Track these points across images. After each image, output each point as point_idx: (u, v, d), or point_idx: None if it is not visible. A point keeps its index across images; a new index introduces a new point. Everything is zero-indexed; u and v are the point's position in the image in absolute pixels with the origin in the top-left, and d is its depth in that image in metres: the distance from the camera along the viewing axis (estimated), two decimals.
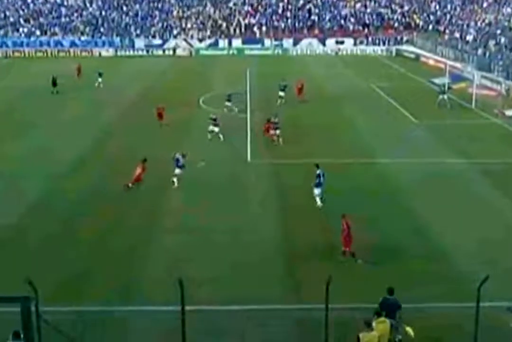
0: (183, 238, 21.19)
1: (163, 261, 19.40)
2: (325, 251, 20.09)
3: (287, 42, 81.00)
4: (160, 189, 26.25)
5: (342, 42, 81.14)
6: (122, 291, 17.48)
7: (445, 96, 43.23)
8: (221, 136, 34.08)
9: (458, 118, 40.22)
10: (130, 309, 16.53)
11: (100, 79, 52.31)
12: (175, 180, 26.15)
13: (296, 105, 44.30)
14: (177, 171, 26.26)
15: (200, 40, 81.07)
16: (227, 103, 40.29)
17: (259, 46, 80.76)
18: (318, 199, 24.09)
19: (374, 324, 13.65)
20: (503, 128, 37.97)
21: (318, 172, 24.44)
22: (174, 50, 79.10)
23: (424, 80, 56.13)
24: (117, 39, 79.67)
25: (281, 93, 44.05)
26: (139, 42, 79.66)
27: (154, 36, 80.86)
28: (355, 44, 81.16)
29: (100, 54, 77.71)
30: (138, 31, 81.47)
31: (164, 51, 79.21)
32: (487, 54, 58.09)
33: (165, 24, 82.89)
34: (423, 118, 39.89)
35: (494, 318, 14.97)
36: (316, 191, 24.18)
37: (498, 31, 62.01)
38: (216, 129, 34.22)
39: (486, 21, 67.53)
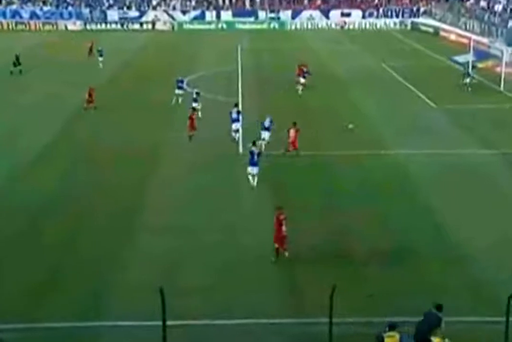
0: (167, 240, 21.30)
1: (144, 267, 19.50)
2: (329, 253, 20.29)
3: (285, 15, 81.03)
4: (140, 183, 26.37)
5: (348, 15, 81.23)
6: (93, 303, 17.55)
7: (468, 80, 43.39)
8: (199, 114, 35.16)
9: (483, 102, 40.40)
10: (103, 325, 16.62)
11: (101, 59, 52.36)
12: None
13: (291, 88, 44.39)
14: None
15: (184, 12, 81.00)
16: (178, 91, 39.83)
17: (252, 19, 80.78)
18: (251, 178, 25.49)
19: (385, 338, 13.86)
20: None
21: (252, 149, 25.85)
22: (153, 23, 79.01)
23: (445, 59, 56.27)
24: (86, 10, 79.52)
25: (302, 80, 43.85)
26: (112, 14, 79.52)
27: (129, 7, 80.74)
28: (363, 16, 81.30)
29: (66, 27, 77.57)
30: (110, 1, 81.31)
31: (141, 25, 79.13)
32: None
33: None
34: (442, 102, 40.06)
35: None
36: (250, 170, 25.51)
37: None
38: (197, 105, 35.64)
39: None
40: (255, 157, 25.98)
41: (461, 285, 18.47)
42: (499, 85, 44.20)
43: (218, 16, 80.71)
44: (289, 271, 19.37)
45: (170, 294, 14.21)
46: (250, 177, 26.06)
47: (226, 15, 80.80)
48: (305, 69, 44.46)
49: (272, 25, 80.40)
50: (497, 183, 26.80)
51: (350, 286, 17.88)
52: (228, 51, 60.32)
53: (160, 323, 13.77)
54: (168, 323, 14.10)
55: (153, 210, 23.91)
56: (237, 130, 32.18)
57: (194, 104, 36.12)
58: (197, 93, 37.14)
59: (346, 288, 17.00)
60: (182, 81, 40.78)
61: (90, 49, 56.73)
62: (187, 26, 79.50)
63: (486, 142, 32.07)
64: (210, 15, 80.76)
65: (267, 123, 31.10)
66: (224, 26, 79.75)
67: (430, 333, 14.62)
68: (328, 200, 24.67)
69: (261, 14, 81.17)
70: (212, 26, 79.66)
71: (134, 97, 41.59)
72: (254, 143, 26.93)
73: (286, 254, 20.03)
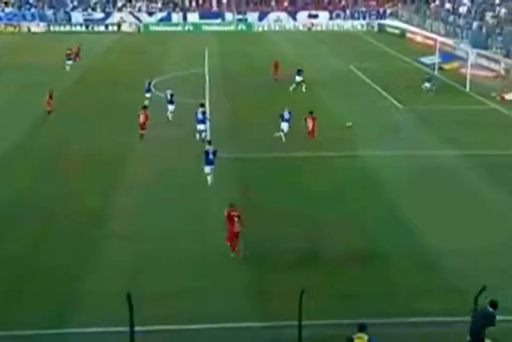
0: (134, 246, 21.12)
1: (110, 274, 19.31)
2: (299, 256, 20.31)
3: (252, 17, 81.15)
4: (105, 189, 26.14)
5: (315, 16, 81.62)
6: (59, 311, 17.34)
7: (428, 85, 43.35)
8: (170, 116, 35.90)
9: (450, 103, 40.87)
10: (70, 332, 16.44)
11: (69, 62, 51.69)
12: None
13: (261, 90, 44.52)
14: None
15: (150, 14, 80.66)
16: (146, 95, 39.80)
17: (219, 21, 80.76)
18: (209, 178, 26.28)
19: (354, 339, 13.89)
20: (502, 115, 38.71)
21: (207, 148, 26.58)
22: (119, 25, 78.55)
23: (411, 60, 56.83)
24: (50, 12, 78.78)
25: (298, 78, 44.53)
26: (77, 16, 78.90)
27: (94, 9, 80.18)
28: (330, 18, 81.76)
29: (29, 29, 76.73)
30: (75, 3, 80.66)
31: (107, 26, 78.63)
32: (484, 28, 58.98)
33: None
34: (410, 103, 40.43)
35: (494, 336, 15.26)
36: (207, 169, 26.28)
37: (497, 1, 63.00)
38: (171, 107, 36.17)
39: None
40: (210, 156, 26.49)
41: (431, 288, 18.56)
42: (465, 87, 44.76)
43: (185, 17, 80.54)
44: (259, 275, 19.33)
45: (138, 299, 14.09)
46: (208, 177, 26.51)
47: (193, 16, 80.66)
48: (300, 68, 45.24)
49: (239, 27, 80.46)
50: (465, 184, 27.05)
51: (321, 288, 17.92)
52: (195, 53, 60.23)
53: (128, 329, 13.65)
54: (136, 329, 13.99)
55: (119, 216, 23.70)
56: (203, 131, 32.31)
57: (170, 106, 36.23)
58: (172, 95, 36.88)
59: (317, 290, 17.04)
60: (150, 83, 40.60)
61: (77, 53, 56.20)
62: (153, 28, 79.18)
63: (453, 143, 32.41)
64: (176, 16, 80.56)
65: (286, 115, 32.54)
66: (191, 28, 79.59)
67: (483, 332, 14.45)
68: (297, 203, 24.71)
69: (228, 16, 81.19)
70: (179, 28, 79.46)
71: (100, 100, 41.28)
72: (209, 143, 27.39)
73: (241, 253, 20.27)
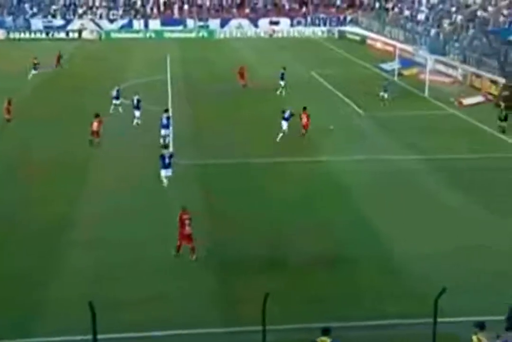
0: (98, 253, 20.99)
1: (74, 281, 19.16)
2: (264, 262, 20.39)
3: (214, 23, 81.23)
4: (68, 196, 25.95)
5: (277, 23, 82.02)
6: (22, 320, 17.11)
7: (385, 95, 42.65)
8: (138, 121, 36.32)
9: (409, 109, 41.39)
10: (33, 341, 16.23)
11: (34, 71, 50.76)
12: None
13: (223, 96, 44.66)
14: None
15: (111, 21, 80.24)
16: (115, 101, 39.71)
17: (180, 28, 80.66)
18: (165, 181, 26.92)
19: None
20: (461, 120, 39.35)
21: (163, 152, 27.35)
22: (80, 32, 77.96)
23: (372, 66, 57.43)
24: (9, 19, 77.79)
25: (281, 82, 45.58)
26: (37, 23, 78.07)
27: (54, 16, 79.43)
28: (292, 25, 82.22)
29: None
30: (35, 9, 79.85)
31: (67, 33, 77.97)
32: (441, 35, 59.89)
33: (68, 1, 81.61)
34: (371, 109, 40.83)
35: (454, 337, 15.51)
36: (164, 172, 26.93)
37: (453, 9, 64.01)
38: (138, 113, 36.51)
39: None
40: (167, 160, 26.95)
41: (395, 292, 18.78)
42: (424, 92, 45.38)
43: (146, 24, 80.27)
44: (224, 280, 19.37)
45: (103, 307, 14.04)
46: (164, 180, 26.90)
47: (154, 23, 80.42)
48: (282, 71, 46.08)
49: (201, 34, 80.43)
50: (426, 189, 27.38)
51: (287, 293, 18.02)
52: (157, 60, 60.06)
53: (89, 337, 13.58)
54: (100, 336, 13.91)
55: (83, 222, 23.55)
56: (166, 136, 32.59)
57: (136, 112, 36.49)
58: (138, 100, 36.91)
59: (282, 295, 17.15)
60: (118, 90, 40.39)
61: (58, 60, 55.56)
62: (114, 35, 78.74)
63: (413, 149, 32.83)
64: (138, 23, 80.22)
65: (287, 115, 33.99)
66: (153, 35, 79.33)
67: None
68: (261, 209, 24.78)
69: (190, 23, 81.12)
70: (140, 35, 79.15)
71: (62, 107, 40.92)
72: (165, 147, 28.03)
73: (194, 256, 20.52)
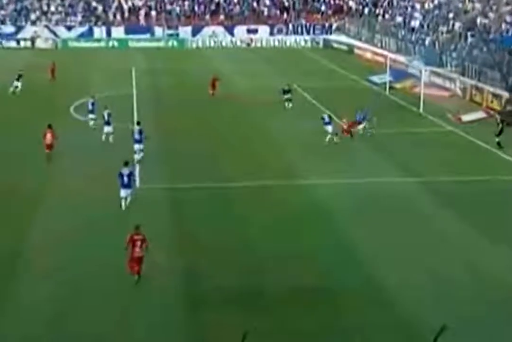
0: (52, 285, 21.06)
1: (25, 317, 19.14)
2: (241, 295, 20.58)
3: (184, 32, 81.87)
4: (21, 221, 26.04)
5: (255, 31, 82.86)
6: None
7: (366, 125, 40.10)
8: (110, 138, 36.83)
9: (402, 125, 41.84)
10: None
11: (17, 84, 50.76)
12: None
13: (196, 111, 45.05)
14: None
15: (68, 28, 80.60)
16: (91, 116, 40.08)
17: (147, 36, 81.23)
18: (123, 202, 27.28)
19: None
20: (459, 137, 39.94)
21: (122, 170, 27.34)
22: (33, 41, 78.22)
23: (360, 79, 58.15)
24: None
25: (286, 96, 46.95)
26: None
27: (3, 22, 79.68)
28: (271, 33, 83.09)
29: None
30: None
31: (18, 42, 78.20)
32: (437, 44, 60.76)
33: (19, 5, 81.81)
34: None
35: None
36: (123, 193, 27.16)
37: (451, 15, 64.97)
38: (109, 129, 37.05)
39: (435, 2, 70.84)
40: (125, 179, 27.16)
41: (381, 323, 19.04)
42: (418, 108, 46.00)
43: (109, 33, 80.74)
44: (197, 315, 19.50)
45: None
46: (122, 202, 27.21)
47: (118, 31, 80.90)
48: (286, 88, 47.02)
49: (170, 43, 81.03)
50: (419, 214, 27.70)
51: (265, 329, 18.13)
52: (121, 72, 60.43)
53: None
54: None
55: (36, 251, 23.67)
56: (140, 151, 33.44)
57: (107, 127, 37.10)
58: (109, 115, 37.40)
59: (260, 332, 17.29)
60: (93, 104, 40.59)
61: (52, 72, 55.60)
62: (72, 44, 79.12)
63: (407, 170, 33.28)
64: (99, 31, 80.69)
65: (327, 119, 37.66)
66: (116, 44, 79.80)
67: None
68: (237, 237, 24.98)
69: (158, 31, 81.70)
70: (102, 44, 79.59)
71: (14, 125, 40.95)
72: (126, 164, 27.85)
73: (136, 277, 20.97)
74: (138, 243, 21.08)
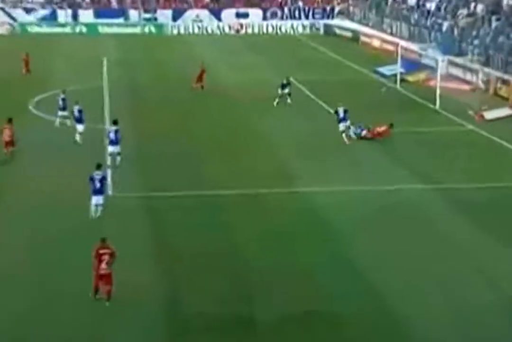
0: (11, 317, 20.98)
1: None
2: (230, 321, 20.51)
3: (164, 16, 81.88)
4: None
5: (245, 16, 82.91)
6: None
7: (347, 124, 38.99)
8: (79, 137, 37.14)
9: (416, 124, 41.79)
10: None
11: None
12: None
13: (176, 107, 45.14)
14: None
15: (28, 11, 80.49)
16: (62, 113, 40.04)
17: (120, 21, 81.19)
18: (93, 210, 27.45)
19: None
20: (481, 138, 40.01)
21: (94, 174, 27.41)
22: None
23: (367, 70, 58.23)
24: None
25: (286, 90, 46.78)
26: None
27: None
28: (264, 18, 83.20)
29: None
30: None
31: None
32: (457, 29, 60.87)
33: None
34: (366, 125, 41.06)
35: None
36: (95, 200, 27.40)
37: None
38: (81, 127, 37.39)
39: None
40: (97, 184, 27.24)
41: None
42: (434, 103, 46.11)
43: (75, 16, 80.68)
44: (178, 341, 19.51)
45: None
46: (92, 209, 27.33)
47: (86, 15, 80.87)
48: (285, 81, 46.84)
49: (147, 29, 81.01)
50: (434, 227, 27.58)
51: None
52: (90, 63, 60.40)
53: None
54: None
55: None
56: (116, 154, 33.55)
57: (79, 126, 37.30)
58: (80, 111, 37.62)
59: None
60: (64, 99, 40.63)
61: (26, 64, 55.40)
62: (33, 29, 79.06)
63: (419, 175, 33.26)
64: (63, 15, 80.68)
65: (341, 114, 38.32)
66: (84, 29, 79.77)
67: None
68: (223, 252, 24.92)
69: (133, 15, 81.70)
70: (67, 30, 79.53)
71: None
72: (98, 167, 27.99)
73: (107, 303, 20.96)
74: (105, 257, 21.02)
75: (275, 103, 46.18)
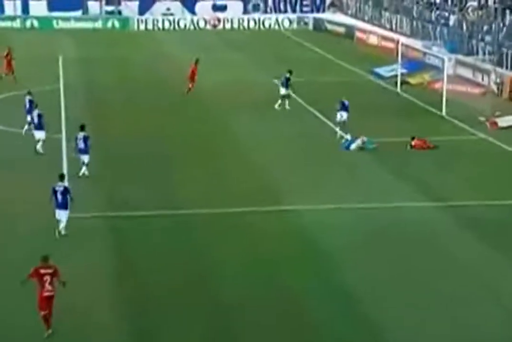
0: None
1: None
2: None
3: (129, 8, 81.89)
4: None
5: (223, 8, 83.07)
6: None
7: (340, 132, 41.21)
8: (39, 146, 37.26)
9: (420, 132, 41.79)
10: None
11: None
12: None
13: (150, 111, 45.31)
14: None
15: None
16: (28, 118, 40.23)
17: (78, 14, 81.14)
18: (60, 225, 27.31)
19: None
20: (494, 148, 40.19)
21: (57, 186, 27.63)
22: None
23: (363, 71, 58.44)
24: None
25: (283, 91, 47.18)
26: None
27: None
28: (245, 11, 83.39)
29: None
30: None
31: None
32: (465, 24, 61.15)
33: None
34: (363, 134, 41.15)
35: None
36: (58, 215, 27.58)
37: None
38: (41, 134, 37.64)
39: None
40: (60, 197, 27.39)
41: None
42: (440, 109, 46.33)
43: (26, 9, 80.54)
44: None
45: None
46: (58, 225, 27.50)
47: (38, 7, 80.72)
48: (287, 75, 47.09)
49: (110, 24, 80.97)
50: (446, 250, 27.60)
51: None
52: (43, 62, 60.38)
53: None
54: None
55: None
56: (85, 165, 34.11)
57: (38, 133, 37.61)
58: (40, 116, 37.79)
59: None
60: (31, 101, 40.69)
61: (8, 61, 54.97)
62: None
63: (424, 191, 33.35)
64: (11, 6, 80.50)
65: (346, 102, 41.59)
66: (36, 24, 79.64)
67: None
68: (195, 282, 24.83)
69: (93, 7, 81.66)
70: (16, 24, 79.41)
71: None
72: (61, 178, 28.26)
73: (46, 334, 20.84)
74: (48, 278, 20.90)
75: (276, 106, 46.79)
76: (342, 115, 41.50)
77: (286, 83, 47.13)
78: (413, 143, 39.19)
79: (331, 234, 28.96)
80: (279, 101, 46.95)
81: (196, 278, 25.17)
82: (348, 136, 39.43)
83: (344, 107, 41.55)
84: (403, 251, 27.53)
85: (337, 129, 40.72)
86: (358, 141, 38.99)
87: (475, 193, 33.38)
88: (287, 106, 47.00)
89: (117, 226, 29.48)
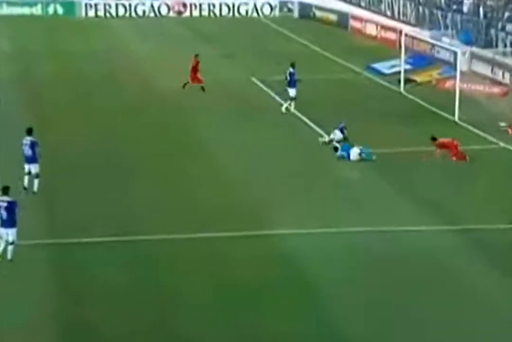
0: None
1: None
2: None
3: None
4: None
5: None
6: None
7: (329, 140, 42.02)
8: None
9: (427, 140, 41.86)
10: None
11: None
12: None
13: (102, 121, 45.44)
14: None
15: None
16: None
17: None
18: (3, 245, 27.81)
19: None
20: None
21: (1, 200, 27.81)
22: None
23: (358, 67, 58.70)
24: None
25: (292, 92, 47.73)
26: None
27: None
28: None
29: None
30: None
31: None
32: (482, 11, 61.47)
33: None
34: (361, 143, 41.27)
35: None
36: (5, 233, 27.72)
37: None
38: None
39: None
40: (3, 213, 27.55)
41: None
42: (452, 113, 46.50)
43: None
44: None
45: None
46: (2, 244, 27.61)
47: None
48: (291, 70, 47.53)
49: (51, 9, 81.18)
50: (462, 283, 27.62)
51: None
52: None
53: None
54: None
55: None
56: (34, 175, 34.06)
57: None
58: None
59: None
60: None
61: None
62: None
63: (432, 212, 33.48)
64: None
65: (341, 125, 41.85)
66: None
67: None
68: (161, 314, 24.94)
69: None
70: None
71: None
72: (5, 191, 28.10)
73: None
74: None
75: (283, 108, 47.37)
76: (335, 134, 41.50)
77: (293, 81, 47.39)
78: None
79: (318, 263, 29.01)
80: (286, 103, 47.50)
81: (162, 324, 25.09)
82: (326, 138, 40.18)
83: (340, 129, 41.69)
84: (403, 284, 27.55)
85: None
86: (355, 150, 39.12)
87: (493, 214, 33.36)
88: (283, 110, 47.38)
89: (61, 257, 29.36)
